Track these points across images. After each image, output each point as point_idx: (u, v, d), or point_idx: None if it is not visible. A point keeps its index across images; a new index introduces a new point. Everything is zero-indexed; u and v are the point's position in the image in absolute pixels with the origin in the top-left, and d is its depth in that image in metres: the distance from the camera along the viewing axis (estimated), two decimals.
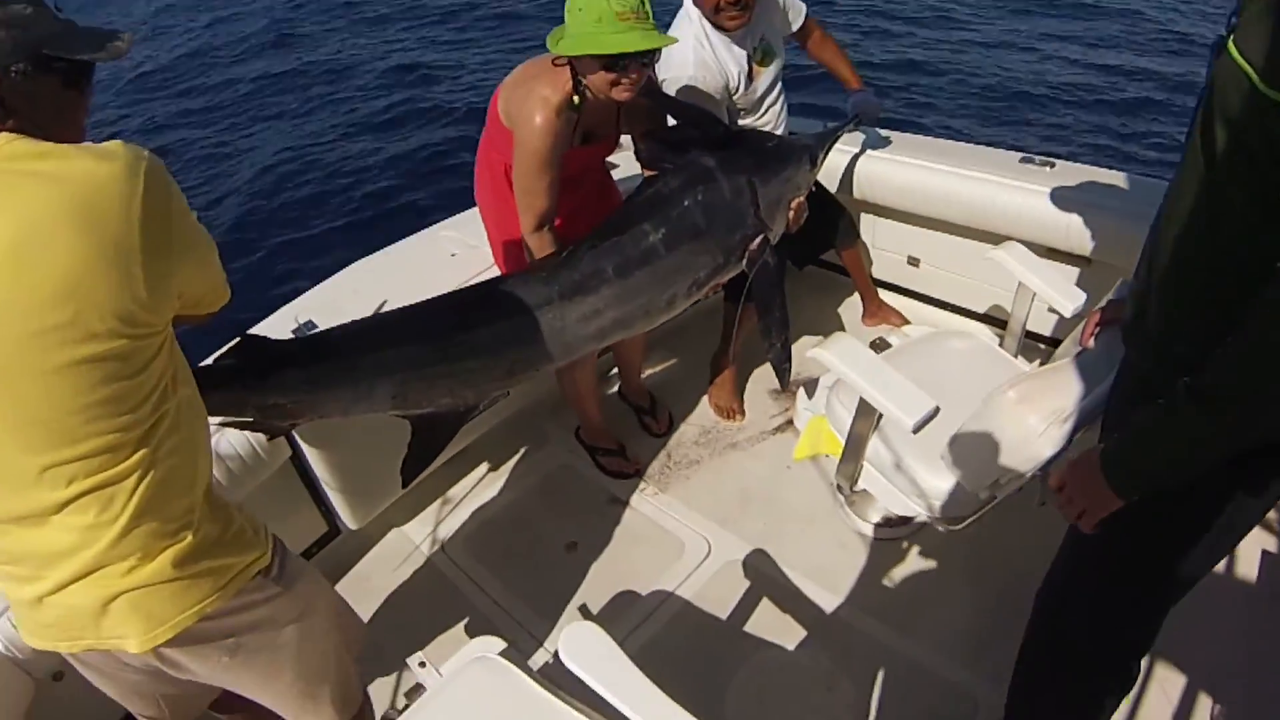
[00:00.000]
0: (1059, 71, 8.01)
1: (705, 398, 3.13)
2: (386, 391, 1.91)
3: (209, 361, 1.95)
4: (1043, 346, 3.09)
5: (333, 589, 1.72)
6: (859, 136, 3.15)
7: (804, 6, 2.81)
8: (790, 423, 2.99)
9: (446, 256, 2.74)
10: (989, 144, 3.22)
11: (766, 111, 2.76)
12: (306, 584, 1.58)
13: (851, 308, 3.53)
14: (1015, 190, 2.82)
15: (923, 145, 3.19)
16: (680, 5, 2.62)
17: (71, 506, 1.24)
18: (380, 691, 2.18)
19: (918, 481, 2.03)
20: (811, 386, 2.64)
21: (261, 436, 2.17)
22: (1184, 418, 1.17)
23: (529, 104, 2.03)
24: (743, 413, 3.08)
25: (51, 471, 1.21)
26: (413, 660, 1.79)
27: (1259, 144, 1.05)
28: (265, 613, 1.47)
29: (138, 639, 1.32)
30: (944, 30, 9.16)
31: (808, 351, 2.06)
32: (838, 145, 3.02)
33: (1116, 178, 2.77)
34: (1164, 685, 2.10)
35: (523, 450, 2.99)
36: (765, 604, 2.42)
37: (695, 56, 2.52)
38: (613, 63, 1.94)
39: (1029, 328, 2.53)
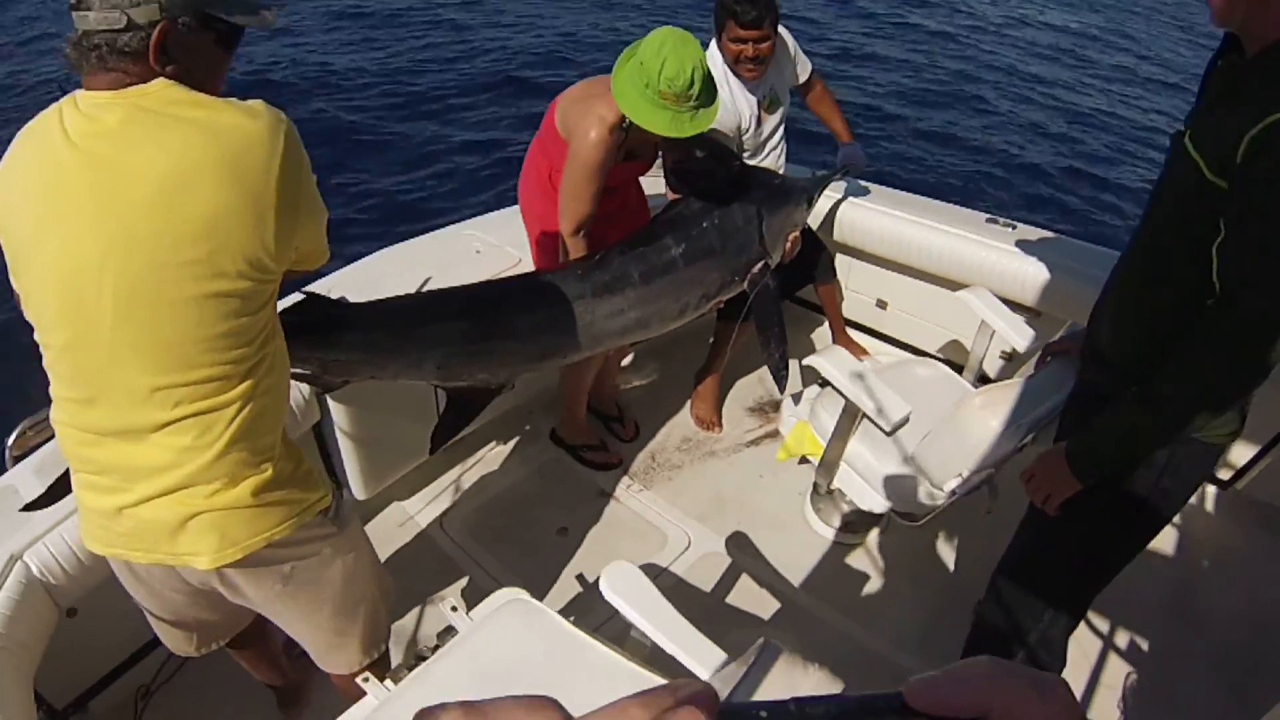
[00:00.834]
0: (1037, 149, 8.64)
1: (688, 409, 3.40)
2: (434, 362, 2.12)
3: None
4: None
5: (369, 542, 1.87)
6: (843, 184, 3.49)
7: (810, 63, 3.13)
8: (764, 437, 3.28)
9: (471, 251, 2.96)
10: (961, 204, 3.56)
11: (769, 154, 3.07)
12: (355, 530, 1.74)
13: (821, 340, 3.84)
14: (979, 245, 3.17)
15: (899, 198, 3.53)
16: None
17: (173, 427, 1.36)
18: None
19: (888, 479, 2.32)
20: (795, 400, 2.94)
21: (300, 400, 2.38)
22: (1133, 416, 1.54)
23: (587, 120, 2.29)
24: (721, 425, 3.35)
25: (162, 393, 1.34)
26: (444, 605, 1.96)
27: (1201, 218, 1.39)
28: (321, 548, 1.62)
29: (209, 556, 1.44)
30: (933, 104, 9.76)
31: (805, 359, 2.35)
32: (826, 192, 3.36)
33: (1069, 243, 3.16)
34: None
35: (517, 441, 3.21)
36: (738, 592, 2.67)
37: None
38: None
39: (984, 369, 2.86)
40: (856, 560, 2.79)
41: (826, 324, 3.67)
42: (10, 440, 2.11)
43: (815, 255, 3.36)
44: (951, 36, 12.46)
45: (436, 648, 1.78)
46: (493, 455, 3.16)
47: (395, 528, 2.86)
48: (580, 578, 2.69)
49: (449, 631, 1.90)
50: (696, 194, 2.41)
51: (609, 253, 2.28)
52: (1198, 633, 2.59)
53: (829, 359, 2.26)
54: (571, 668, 1.67)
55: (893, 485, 2.31)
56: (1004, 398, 2.04)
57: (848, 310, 3.77)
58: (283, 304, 2.11)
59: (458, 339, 2.15)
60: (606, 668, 1.65)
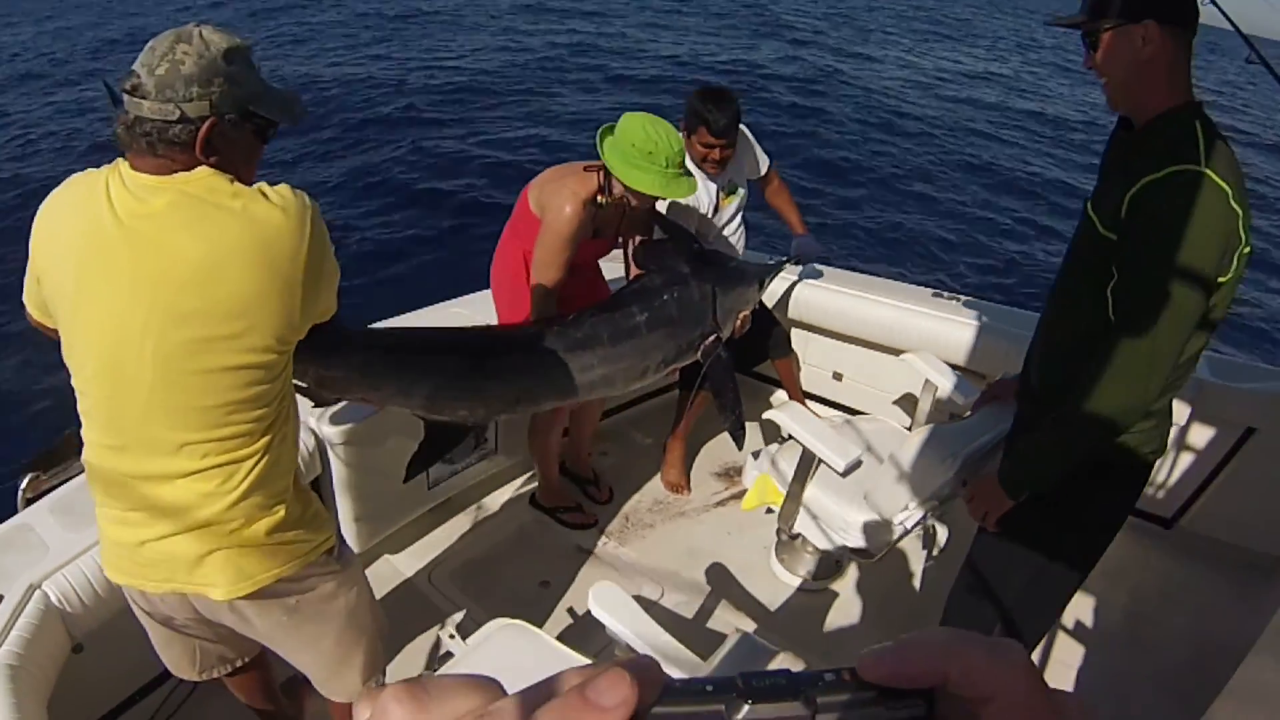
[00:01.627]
0: (982, 230, 9.25)
1: (659, 475, 3.62)
2: (423, 393, 2.26)
3: None
4: None
5: (366, 578, 2.01)
6: (799, 267, 3.80)
7: (767, 158, 3.44)
8: (730, 498, 3.50)
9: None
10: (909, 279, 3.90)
11: (730, 237, 3.36)
12: (356, 569, 1.90)
13: None
14: (926, 317, 3.49)
15: (851, 277, 3.86)
16: None
17: (199, 475, 1.51)
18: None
19: (843, 517, 2.55)
20: (759, 455, 3.17)
21: (304, 454, 2.57)
22: (1047, 435, 1.81)
23: (561, 195, 2.57)
24: (689, 489, 3.58)
25: (190, 447, 1.50)
26: (443, 633, 2.12)
27: (1099, 267, 1.70)
28: (324, 584, 1.76)
29: (224, 589, 1.59)
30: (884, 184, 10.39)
31: (764, 414, 2.60)
32: (783, 274, 3.67)
33: (1009, 311, 3.50)
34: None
35: (501, 504, 3.41)
36: (707, 637, 2.84)
37: None
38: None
39: (927, 423, 3.12)
40: (822, 605, 2.99)
41: (785, 396, 3.94)
42: (24, 482, 2.27)
43: (770, 330, 3.64)
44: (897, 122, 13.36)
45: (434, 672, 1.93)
46: (478, 515, 3.35)
47: (386, 579, 3.01)
48: (564, 618, 2.86)
49: (446, 657, 2.07)
50: (659, 270, 2.68)
51: (582, 314, 2.52)
52: (1148, 657, 2.79)
53: (786, 412, 2.52)
54: None
55: (848, 524, 2.54)
56: (940, 436, 2.31)
57: (806, 383, 4.04)
58: None
59: (449, 373, 2.31)
60: None
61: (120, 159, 1.48)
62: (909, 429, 3.15)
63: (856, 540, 2.53)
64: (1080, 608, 1.98)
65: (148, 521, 1.56)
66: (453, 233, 7.85)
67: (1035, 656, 2.14)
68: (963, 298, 3.62)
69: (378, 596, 2.85)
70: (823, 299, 3.76)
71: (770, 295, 3.77)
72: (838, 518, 2.56)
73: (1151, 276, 1.60)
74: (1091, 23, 1.67)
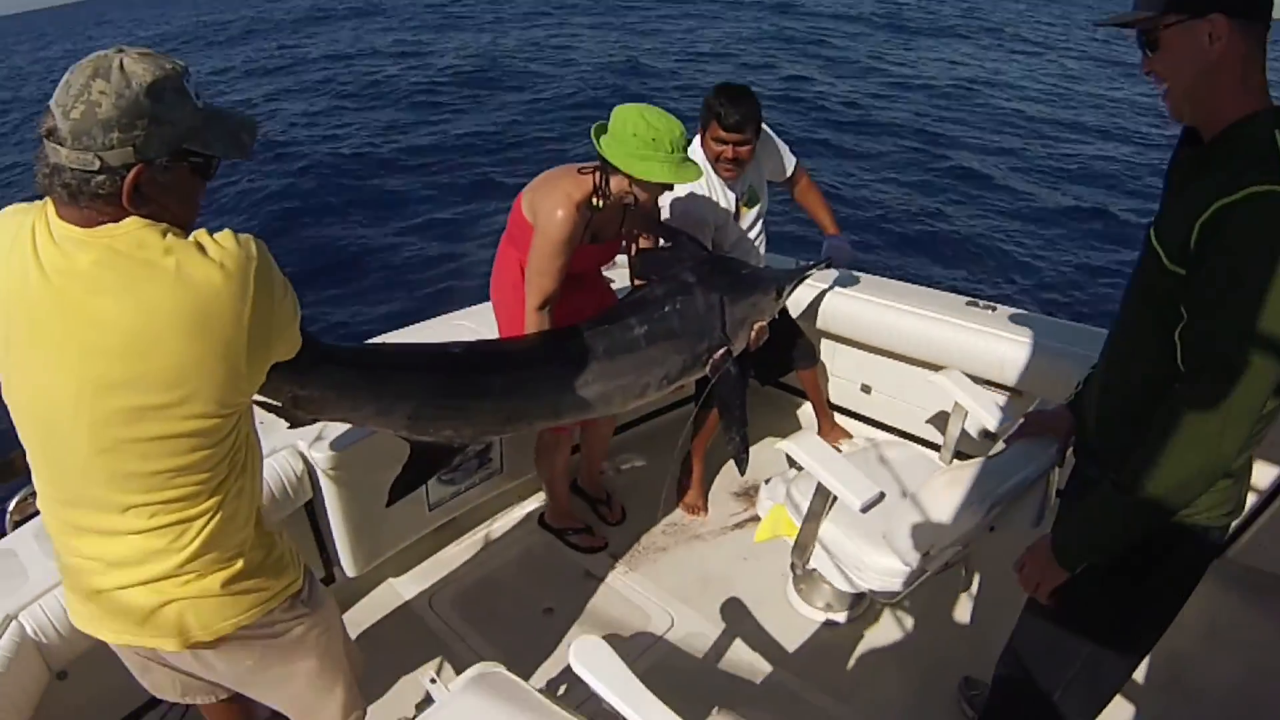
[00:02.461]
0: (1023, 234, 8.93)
1: (674, 494, 3.45)
2: (404, 412, 2.12)
3: None
4: None
5: (340, 617, 1.92)
6: (831, 274, 3.61)
7: (794, 159, 3.27)
8: (748, 520, 3.33)
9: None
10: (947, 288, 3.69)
11: (746, 249, 3.19)
12: (327, 610, 1.79)
13: (806, 425, 3.92)
14: (960, 329, 3.28)
15: (881, 284, 3.66)
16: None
17: (150, 533, 1.42)
18: None
19: (860, 557, 2.37)
20: (773, 482, 3.01)
21: (293, 478, 2.46)
22: (1108, 502, 1.57)
23: (553, 197, 2.40)
24: (706, 510, 3.42)
25: (136, 509, 1.40)
26: (424, 677, 2.01)
27: (1167, 306, 1.46)
28: (291, 629, 1.67)
29: (177, 640, 1.50)
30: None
31: (777, 444, 2.43)
32: (812, 280, 3.48)
33: (1047, 321, 3.28)
34: None
35: (507, 524, 3.28)
36: (720, 672, 2.70)
37: (695, 187, 2.94)
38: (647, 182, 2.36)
39: (959, 448, 2.93)
40: (839, 639, 2.82)
41: (812, 409, 3.76)
42: (11, 505, 2.21)
43: (794, 340, 3.46)
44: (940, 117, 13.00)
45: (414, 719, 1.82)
46: (482, 537, 3.23)
47: (385, 604, 2.91)
48: (563, 651, 2.73)
49: (427, 701, 1.96)
50: (662, 279, 2.52)
51: (576, 328, 2.37)
52: (1190, 704, 2.58)
53: (800, 444, 2.34)
54: None
55: (866, 564, 2.37)
56: (967, 476, 2.11)
57: (833, 394, 3.86)
58: None
59: (432, 391, 2.17)
60: None
61: (49, 199, 1.33)
62: (939, 450, 2.97)
63: (875, 582, 2.36)
64: None
65: (102, 571, 1.48)
66: (456, 239, 7.82)
67: None
68: (998, 308, 3.40)
69: (377, 621, 2.87)
70: (849, 307, 3.57)
71: (796, 302, 3.59)
72: (855, 557, 2.39)
73: (1227, 320, 1.36)
74: (1149, 19, 1.44)
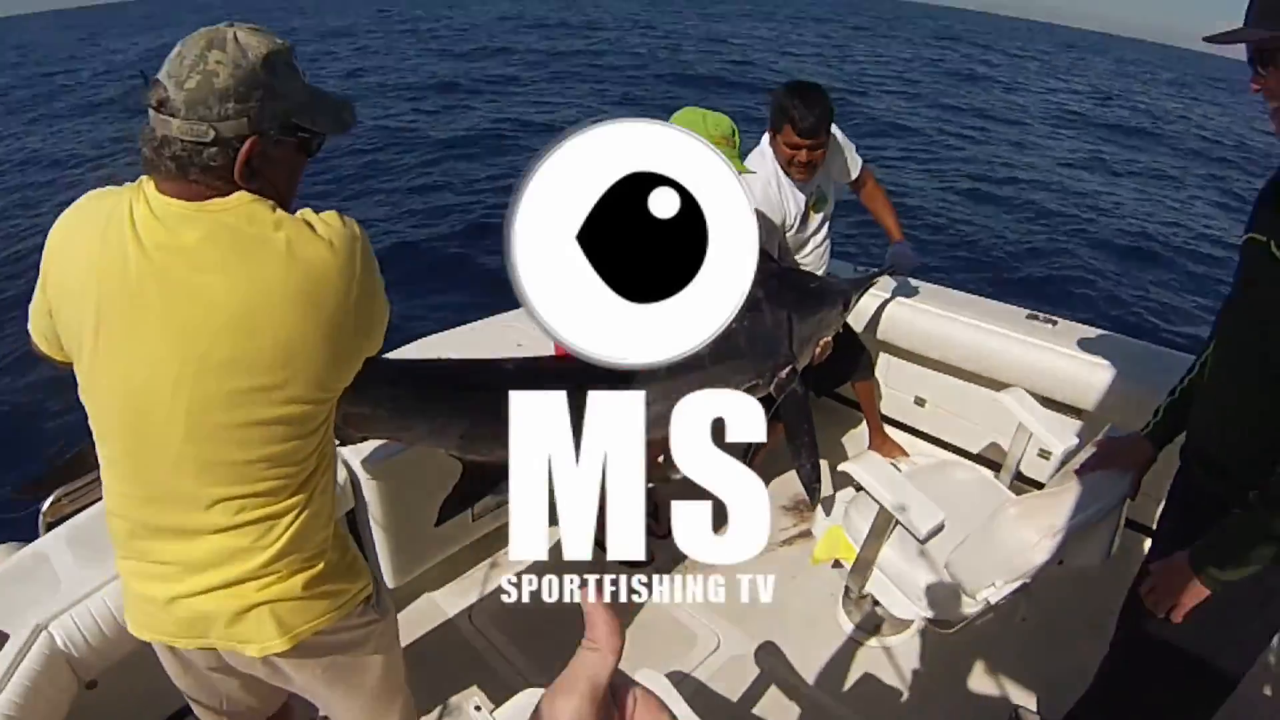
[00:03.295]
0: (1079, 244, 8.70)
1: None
2: (456, 432, 2.04)
3: None
4: (1030, 489, 3.37)
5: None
6: (890, 283, 3.49)
7: (860, 160, 3.15)
8: (798, 536, 3.23)
9: (513, 345, 2.99)
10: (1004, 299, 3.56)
11: (812, 251, 3.09)
12: (391, 617, 1.74)
13: (857, 439, 3.81)
14: (1020, 343, 3.15)
15: (942, 295, 3.53)
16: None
17: (234, 530, 1.36)
18: None
19: (921, 586, 2.27)
20: (829, 502, 2.90)
21: (337, 485, 2.41)
22: (1258, 520, 1.52)
23: None
24: None
25: (225, 503, 1.34)
26: (468, 703, 1.95)
27: None
28: (362, 635, 1.62)
29: (259, 645, 1.45)
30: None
31: (840, 465, 2.33)
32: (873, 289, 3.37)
33: (1111, 339, 3.13)
34: None
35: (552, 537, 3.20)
36: (767, 696, 2.60)
37: (763, 193, 2.84)
38: None
39: (1021, 469, 2.81)
40: (888, 665, 2.72)
41: (863, 421, 3.65)
42: (45, 505, 2.17)
43: (854, 354, 3.36)
44: (1000, 130, 12.72)
45: None
46: None
47: (424, 618, 2.85)
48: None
49: None
50: None
51: None
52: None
53: (864, 465, 2.25)
54: None
55: (926, 592, 2.27)
56: (1040, 508, 2.00)
57: (886, 407, 3.74)
58: None
59: (487, 410, 2.12)
60: None
61: (144, 178, 1.29)
62: (998, 471, 2.85)
63: (933, 611, 2.26)
64: None
65: (179, 576, 1.42)
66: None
67: None
68: (1060, 322, 3.27)
69: (417, 636, 2.78)
70: (907, 317, 3.45)
71: (856, 313, 3.47)
72: (914, 586, 2.29)
73: None
74: (1268, 37, 1.35)
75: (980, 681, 2.66)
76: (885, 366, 3.68)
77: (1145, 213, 10.37)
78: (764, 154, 2.88)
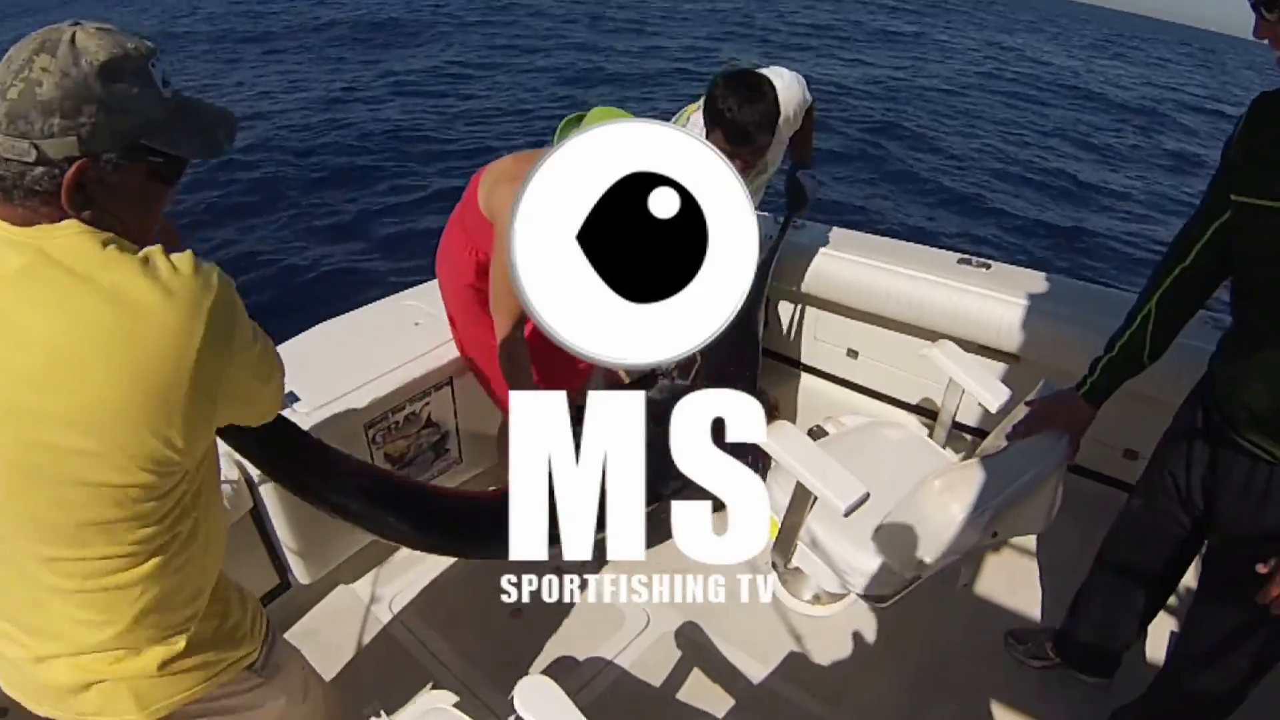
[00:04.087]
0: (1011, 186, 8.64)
1: None
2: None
3: None
4: (969, 437, 3.29)
5: (314, 671, 1.73)
6: (809, 233, 3.36)
7: (810, 98, 2.87)
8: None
9: (410, 325, 2.82)
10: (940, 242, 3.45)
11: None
12: (288, 673, 1.57)
13: (789, 396, 3.70)
14: (952, 290, 3.04)
15: (867, 242, 3.40)
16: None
17: (75, 599, 1.19)
18: None
19: (848, 561, 2.17)
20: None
21: (229, 488, 2.24)
22: None
23: None
24: None
25: (57, 564, 1.15)
26: (367, 710, 1.84)
27: None
28: (249, 699, 1.47)
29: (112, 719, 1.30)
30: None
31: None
32: (790, 240, 3.23)
33: (1047, 280, 3.02)
34: None
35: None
36: (698, 674, 2.51)
37: None
38: None
39: (957, 419, 2.71)
40: (825, 635, 2.64)
41: (799, 380, 3.54)
42: None
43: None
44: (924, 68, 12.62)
45: None
46: None
47: (342, 613, 2.71)
48: (531, 655, 2.56)
49: None
50: None
51: None
52: None
53: (777, 438, 2.11)
54: None
55: (853, 567, 2.17)
56: (966, 479, 1.90)
57: (818, 361, 3.63)
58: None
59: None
60: None
61: None
62: (932, 426, 2.76)
63: (863, 586, 2.16)
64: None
65: (23, 639, 1.25)
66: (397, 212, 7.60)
67: None
68: (995, 265, 3.16)
69: (335, 633, 2.63)
70: (834, 269, 3.31)
71: (780, 266, 3.32)
72: (841, 561, 2.18)
73: None
74: None
75: (923, 649, 2.59)
76: (814, 320, 3.56)
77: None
78: (696, 126, 2.55)
